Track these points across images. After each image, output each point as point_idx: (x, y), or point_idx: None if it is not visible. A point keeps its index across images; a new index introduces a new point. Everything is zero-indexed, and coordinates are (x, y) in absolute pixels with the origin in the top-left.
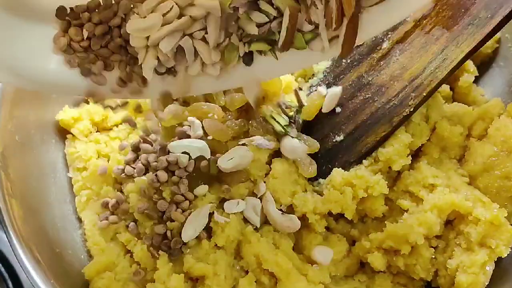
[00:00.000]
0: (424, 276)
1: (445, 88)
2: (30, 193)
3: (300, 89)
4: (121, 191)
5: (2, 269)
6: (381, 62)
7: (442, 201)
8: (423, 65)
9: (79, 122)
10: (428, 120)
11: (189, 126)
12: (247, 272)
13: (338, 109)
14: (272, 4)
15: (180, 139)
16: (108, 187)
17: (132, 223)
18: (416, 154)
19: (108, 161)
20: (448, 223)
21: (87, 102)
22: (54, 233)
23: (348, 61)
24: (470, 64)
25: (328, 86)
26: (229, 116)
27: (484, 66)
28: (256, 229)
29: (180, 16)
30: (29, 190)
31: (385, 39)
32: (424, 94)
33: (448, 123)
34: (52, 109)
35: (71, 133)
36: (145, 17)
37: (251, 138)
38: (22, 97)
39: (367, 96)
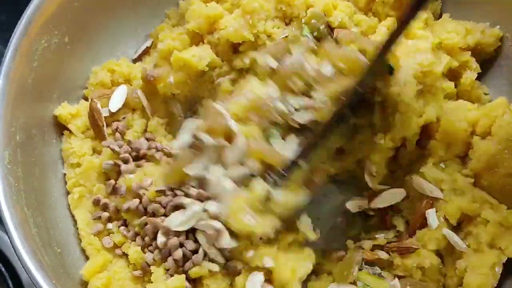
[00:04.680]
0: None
1: (450, 85)
2: (32, 193)
3: None
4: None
5: (3, 269)
6: None
7: (449, 208)
8: None
9: (77, 118)
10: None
11: None
12: None
13: None
14: None
15: None
16: (100, 185)
17: (122, 227)
18: (423, 154)
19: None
20: (456, 224)
21: (86, 99)
22: (56, 233)
23: None
24: (472, 61)
25: None
26: None
27: (485, 65)
28: None
29: None
30: (30, 190)
31: None
32: None
33: (453, 118)
34: (53, 109)
35: (69, 130)
36: None
37: None
38: (23, 97)
39: None
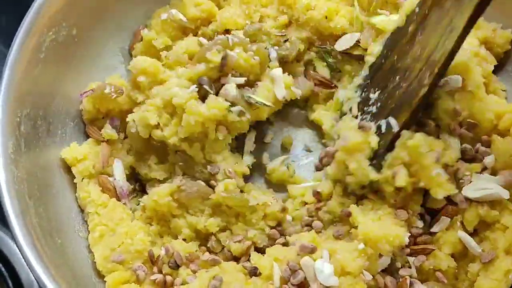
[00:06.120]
0: None
1: None
2: (35, 183)
3: None
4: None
5: (3, 269)
6: (407, 46)
7: (467, 215)
8: (437, 40)
9: (83, 161)
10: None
11: None
12: None
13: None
14: None
15: None
16: (123, 229)
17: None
18: None
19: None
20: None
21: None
22: (57, 224)
23: (384, 52)
24: (487, 54)
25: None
26: None
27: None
28: None
29: None
30: (33, 180)
31: (410, 22)
32: (436, 70)
33: (482, 106)
34: (58, 101)
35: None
36: None
37: None
38: (29, 88)
39: (395, 83)
